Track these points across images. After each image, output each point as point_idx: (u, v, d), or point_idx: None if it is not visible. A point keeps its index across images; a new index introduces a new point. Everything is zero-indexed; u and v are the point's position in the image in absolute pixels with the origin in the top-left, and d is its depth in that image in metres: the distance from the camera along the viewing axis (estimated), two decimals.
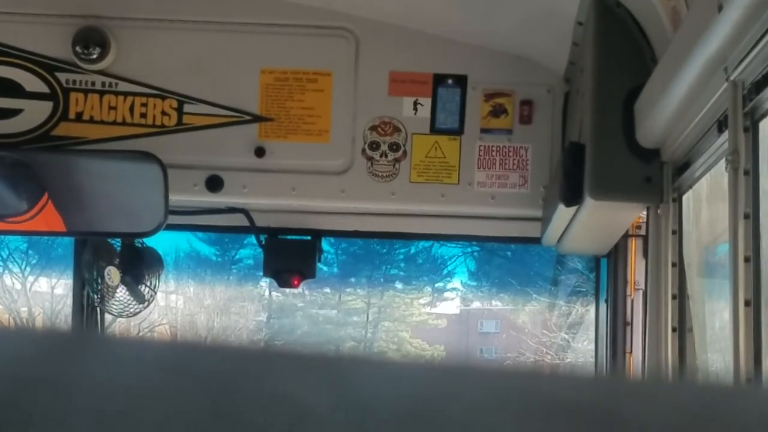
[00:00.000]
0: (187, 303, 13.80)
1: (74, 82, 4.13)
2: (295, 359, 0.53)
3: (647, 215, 3.61)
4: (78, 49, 4.07)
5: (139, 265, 4.35)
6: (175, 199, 3.98)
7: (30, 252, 13.18)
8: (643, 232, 3.87)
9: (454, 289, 14.61)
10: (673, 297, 3.37)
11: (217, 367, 0.51)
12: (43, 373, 0.50)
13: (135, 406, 0.48)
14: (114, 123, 4.13)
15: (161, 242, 4.41)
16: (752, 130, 2.62)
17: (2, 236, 9.10)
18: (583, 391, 0.52)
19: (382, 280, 14.17)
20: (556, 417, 0.49)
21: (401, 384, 0.52)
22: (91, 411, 0.47)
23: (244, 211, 4.21)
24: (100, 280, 4.30)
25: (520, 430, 0.48)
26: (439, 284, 14.47)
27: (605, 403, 0.50)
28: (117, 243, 4.33)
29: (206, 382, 0.49)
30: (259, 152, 4.13)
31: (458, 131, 4.16)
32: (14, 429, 0.46)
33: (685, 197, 3.38)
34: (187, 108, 4.13)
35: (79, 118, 4.13)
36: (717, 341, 3.34)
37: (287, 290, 9.61)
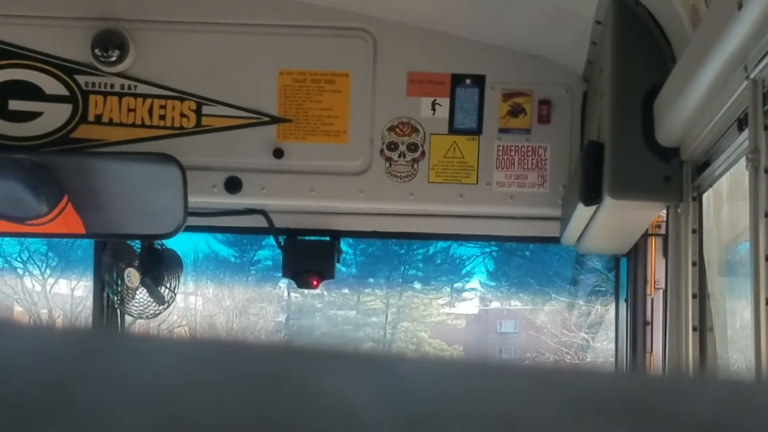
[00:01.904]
0: (206, 304, 13.81)
1: (93, 84, 4.14)
2: (341, 357, 0.53)
3: (667, 214, 3.59)
4: (97, 51, 4.08)
5: (159, 267, 4.36)
6: (194, 200, 3.99)
7: (50, 254, 13.22)
8: (662, 231, 3.86)
9: (472, 289, 14.58)
10: (694, 296, 3.36)
11: (265, 366, 0.52)
12: (83, 371, 0.50)
13: (182, 405, 0.48)
14: (133, 125, 4.14)
15: (180, 244, 4.42)
16: None
17: (22, 239, 9.14)
18: (629, 387, 0.52)
19: (400, 280, 14.15)
20: (602, 413, 0.49)
21: (448, 381, 0.52)
22: (137, 410, 0.47)
23: (262, 213, 4.22)
24: (120, 282, 4.31)
25: (567, 426, 0.48)
26: (458, 284, 14.45)
27: (651, 399, 0.50)
28: (137, 245, 4.34)
29: (253, 381, 0.49)
30: (278, 153, 4.13)
31: (476, 131, 4.16)
32: (59, 426, 0.46)
33: (705, 196, 3.36)
34: (205, 110, 4.14)
35: (98, 120, 4.14)
36: (738, 340, 3.33)
37: (306, 291, 9.62)
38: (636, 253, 4.04)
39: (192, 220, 4.01)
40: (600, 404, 0.49)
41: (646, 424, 0.48)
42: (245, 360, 0.52)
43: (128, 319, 4.47)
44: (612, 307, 4.48)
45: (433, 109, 4.15)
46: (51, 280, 13.43)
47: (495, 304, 15.04)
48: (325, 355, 0.53)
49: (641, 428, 0.47)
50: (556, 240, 4.17)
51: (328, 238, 4.28)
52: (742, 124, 2.76)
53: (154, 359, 0.52)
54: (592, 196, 3.47)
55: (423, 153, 4.16)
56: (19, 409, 0.47)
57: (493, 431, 0.47)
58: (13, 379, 0.50)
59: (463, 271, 14.13)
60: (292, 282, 4.32)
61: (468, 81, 4.15)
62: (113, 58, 4.08)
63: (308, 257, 4.26)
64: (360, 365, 0.52)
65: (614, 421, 0.48)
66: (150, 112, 4.14)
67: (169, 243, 4.34)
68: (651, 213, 3.66)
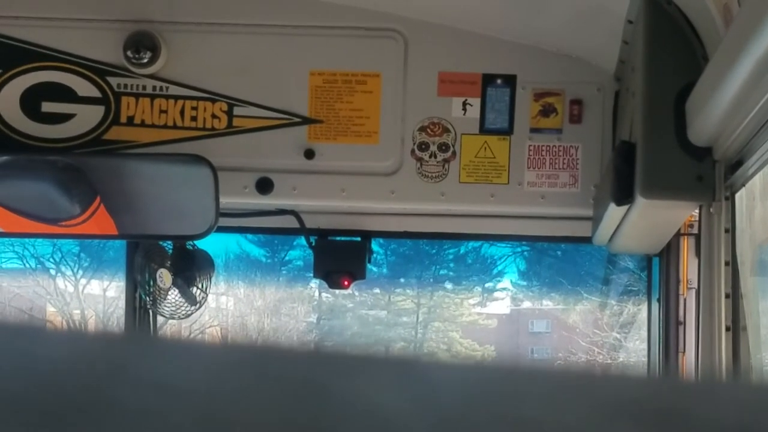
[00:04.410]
0: (238, 304, 13.85)
1: (125, 86, 4.16)
2: (371, 361, 0.53)
3: (699, 214, 3.58)
4: (129, 53, 4.10)
5: (191, 267, 4.37)
6: (226, 201, 4.00)
7: (82, 255, 13.28)
8: (695, 230, 3.84)
9: (504, 289, 14.55)
10: (727, 296, 3.34)
11: (296, 371, 0.52)
12: (120, 375, 0.51)
13: (215, 410, 0.48)
14: (165, 126, 4.16)
15: (211, 244, 4.44)
16: None
17: (55, 240, 9.19)
18: (659, 392, 0.52)
19: (431, 280, 14.13)
20: (632, 418, 0.49)
21: (478, 385, 0.52)
22: (173, 414, 0.47)
23: (294, 213, 4.22)
24: (152, 283, 4.33)
25: (595, 430, 0.48)
26: (489, 284, 14.41)
27: (677, 403, 0.50)
28: (169, 245, 4.36)
29: (286, 387, 0.50)
30: (309, 154, 4.14)
31: (508, 131, 4.15)
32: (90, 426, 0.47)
33: (737, 195, 3.35)
34: (237, 111, 4.15)
35: (130, 122, 4.16)
36: None
37: (337, 291, 9.64)
38: (668, 253, 4.02)
39: (223, 221, 4.02)
40: (630, 409, 0.49)
41: (676, 430, 0.47)
42: (276, 364, 0.52)
43: (160, 319, 4.49)
44: (644, 307, 4.46)
45: (464, 109, 4.14)
46: (83, 281, 13.49)
47: (527, 304, 15.01)
48: (356, 360, 0.53)
49: None
50: (587, 240, 4.16)
51: (359, 239, 4.28)
52: None
53: (188, 364, 0.52)
54: (624, 195, 3.46)
55: (454, 153, 4.15)
56: (55, 411, 0.47)
57: None
58: (49, 383, 0.50)
59: (495, 271, 14.10)
60: (323, 282, 4.33)
61: (499, 81, 4.14)
62: (145, 60, 4.10)
63: (339, 257, 4.26)
64: (390, 369, 0.52)
65: (644, 427, 0.47)
66: (182, 113, 4.16)
67: (201, 244, 4.36)
68: (683, 212, 3.65)
